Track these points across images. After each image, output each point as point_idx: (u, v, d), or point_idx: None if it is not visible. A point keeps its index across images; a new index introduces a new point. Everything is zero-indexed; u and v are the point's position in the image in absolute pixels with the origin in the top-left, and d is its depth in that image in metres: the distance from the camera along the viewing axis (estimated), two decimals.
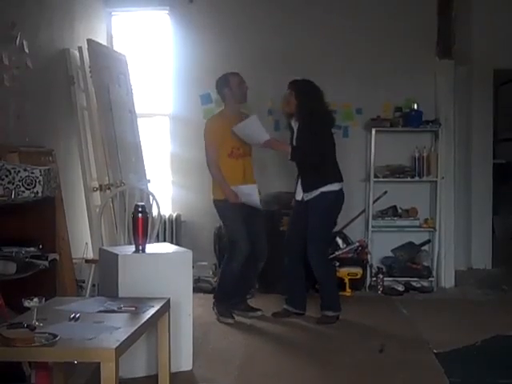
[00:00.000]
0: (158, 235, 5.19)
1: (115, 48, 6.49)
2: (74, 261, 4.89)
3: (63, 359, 2.83)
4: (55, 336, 2.56)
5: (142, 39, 6.75)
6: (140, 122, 6.22)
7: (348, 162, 5.99)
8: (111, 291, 3.62)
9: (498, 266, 6.50)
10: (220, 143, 4.89)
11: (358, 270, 5.93)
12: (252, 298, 5.51)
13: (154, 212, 4.96)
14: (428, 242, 6.34)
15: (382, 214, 6.32)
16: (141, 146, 6.13)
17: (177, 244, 5.69)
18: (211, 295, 5.21)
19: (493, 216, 6.60)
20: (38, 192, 3.83)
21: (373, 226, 6.20)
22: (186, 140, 6.29)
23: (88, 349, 2.55)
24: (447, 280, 6.19)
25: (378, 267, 6.19)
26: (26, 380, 3.19)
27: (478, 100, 6.36)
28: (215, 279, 5.70)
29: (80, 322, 2.88)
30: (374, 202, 6.24)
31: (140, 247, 3.79)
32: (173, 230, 6.32)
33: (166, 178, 6.60)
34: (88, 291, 4.79)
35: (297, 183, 5.02)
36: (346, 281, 5.87)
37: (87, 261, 4.97)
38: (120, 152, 5.54)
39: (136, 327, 2.84)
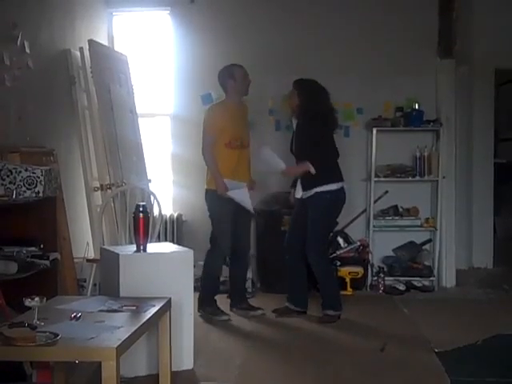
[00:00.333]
0: (159, 235, 5.19)
1: (116, 48, 6.49)
2: (75, 260, 4.90)
3: (64, 358, 2.83)
4: (56, 335, 2.56)
5: (143, 39, 6.75)
6: (141, 121, 6.23)
7: (349, 161, 6.00)
8: (112, 291, 3.63)
9: (499, 266, 6.50)
10: (219, 132, 4.88)
11: (359, 270, 5.94)
12: (253, 298, 5.52)
13: (155, 212, 4.96)
14: (429, 241, 6.34)
15: (383, 213, 6.32)
16: (142, 146, 6.13)
17: (178, 244, 5.69)
18: None
19: (494, 216, 6.60)
20: (39, 192, 3.84)
21: (374, 226, 6.20)
22: (187, 140, 6.28)
23: (89, 348, 2.55)
24: (448, 279, 6.19)
25: (379, 266, 6.20)
26: (27, 379, 3.20)
27: (479, 100, 6.36)
28: None
29: (81, 321, 2.88)
30: (375, 202, 6.24)
31: (141, 247, 3.80)
32: (174, 230, 6.32)
33: (167, 178, 6.61)
34: (89, 291, 4.79)
35: (297, 181, 5.03)
36: (347, 280, 5.87)
37: (88, 260, 4.98)
38: (121, 152, 5.55)
39: (137, 326, 2.84)
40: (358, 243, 6.11)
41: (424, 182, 6.30)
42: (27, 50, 4.64)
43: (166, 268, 3.73)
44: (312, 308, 5.11)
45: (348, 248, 6.08)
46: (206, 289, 5.02)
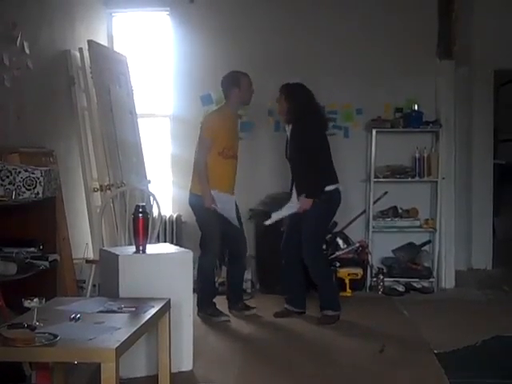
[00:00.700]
0: (158, 236, 5.19)
1: (116, 49, 6.49)
2: (74, 261, 4.90)
3: (63, 359, 2.83)
4: (56, 336, 2.56)
5: (143, 40, 6.75)
6: (140, 122, 6.23)
7: (348, 162, 6.01)
8: (112, 291, 3.62)
9: (499, 267, 6.50)
10: (213, 140, 4.85)
11: (359, 271, 5.93)
12: (252, 298, 5.52)
13: (155, 212, 4.96)
14: (428, 242, 6.34)
15: (383, 214, 6.32)
16: (141, 147, 6.13)
17: (177, 244, 5.68)
18: None
19: (493, 217, 6.60)
20: (38, 193, 3.84)
21: (373, 227, 6.20)
22: (187, 141, 6.26)
23: (88, 349, 2.55)
24: (447, 280, 6.19)
25: (378, 268, 6.19)
26: (27, 380, 3.20)
27: (479, 100, 6.37)
28: (216, 279, 5.69)
29: (80, 322, 2.88)
30: (374, 203, 6.24)
31: (140, 248, 3.80)
32: (173, 231, 6.31)
33: (167, 179, 6.60)
34: (88, 291, 4.79)
35: (292, 184, 5.03)
36: (347, 281, 5.87)
37: (88, 261, 4.97)
38: (120, 152, 5.55)
39: (136, 327, 2.84)
40: (358, 244, 6.11)
41: (423, 183, 6.30)
42: (27, 51, 4.64)
43: (166, 269, 3.73)
44: (311, 308, 5.11)
45: (347, 249, 6.08)
46: (203, 291, 5.01)
